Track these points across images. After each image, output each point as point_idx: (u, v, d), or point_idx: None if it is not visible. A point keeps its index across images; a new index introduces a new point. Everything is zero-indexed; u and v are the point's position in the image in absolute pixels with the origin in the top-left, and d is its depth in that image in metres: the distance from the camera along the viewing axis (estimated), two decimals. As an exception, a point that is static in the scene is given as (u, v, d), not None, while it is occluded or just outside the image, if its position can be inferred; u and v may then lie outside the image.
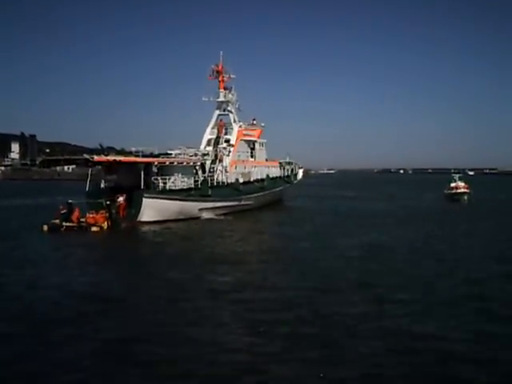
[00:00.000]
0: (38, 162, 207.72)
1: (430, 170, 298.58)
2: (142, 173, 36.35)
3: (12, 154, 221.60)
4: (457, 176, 63.67)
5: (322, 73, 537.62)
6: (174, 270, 20.78)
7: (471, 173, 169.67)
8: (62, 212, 33.73)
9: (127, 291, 17.67)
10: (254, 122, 54.93)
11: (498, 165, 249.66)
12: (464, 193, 59.62)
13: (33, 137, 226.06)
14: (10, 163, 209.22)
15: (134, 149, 40.82)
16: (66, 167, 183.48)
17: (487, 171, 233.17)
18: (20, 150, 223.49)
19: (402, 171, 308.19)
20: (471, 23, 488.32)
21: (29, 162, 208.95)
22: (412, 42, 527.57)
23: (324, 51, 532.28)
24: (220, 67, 50.56)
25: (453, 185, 61.74)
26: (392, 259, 22.90)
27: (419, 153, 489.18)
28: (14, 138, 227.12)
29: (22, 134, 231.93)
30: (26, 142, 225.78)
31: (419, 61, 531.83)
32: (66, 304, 15.72)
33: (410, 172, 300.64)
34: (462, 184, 61.56)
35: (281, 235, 32.25)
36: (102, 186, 39.45)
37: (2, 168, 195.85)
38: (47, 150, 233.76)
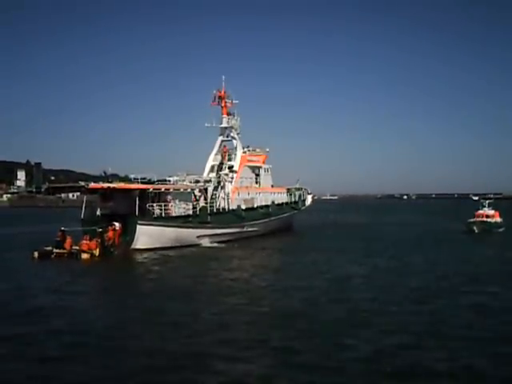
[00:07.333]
0: (43, 190, 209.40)
1: (433, 195, 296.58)
2: (137, 199, 35.33)
3: (18, 181, 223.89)
4: (486, 202, 53.88)
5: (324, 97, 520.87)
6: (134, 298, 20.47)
7: (475, 198, 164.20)
8: (57, 239, 33.45)
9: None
10: (259, 148, 53.88)
11: (503, 189, 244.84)
12: (490, 222, 50.60)
13: (38, 164, 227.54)
14: (16, 191, 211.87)
15: (133, 175, 40.26)
16: (70, 194, 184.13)
17: (492, 196, 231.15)
18: (26, 177, 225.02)
19: (405, 197, 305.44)
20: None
21: (34, 190, 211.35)
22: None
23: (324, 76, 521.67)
24: (223, 92, 49.68)
25: (480, 212, 52.28)
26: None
27: (423, 178, 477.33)
28: (20, 165, 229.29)
29: (28, 161, 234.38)
30: (32, 169, 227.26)
31: (429, 82, 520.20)
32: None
33: (414, 197, 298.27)
34: (491, 212, 52.33)
35: (274, 265, 29.78)
36: (98, 213, 38.38)
37: (9, 195, 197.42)
38: (52, 178, 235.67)
